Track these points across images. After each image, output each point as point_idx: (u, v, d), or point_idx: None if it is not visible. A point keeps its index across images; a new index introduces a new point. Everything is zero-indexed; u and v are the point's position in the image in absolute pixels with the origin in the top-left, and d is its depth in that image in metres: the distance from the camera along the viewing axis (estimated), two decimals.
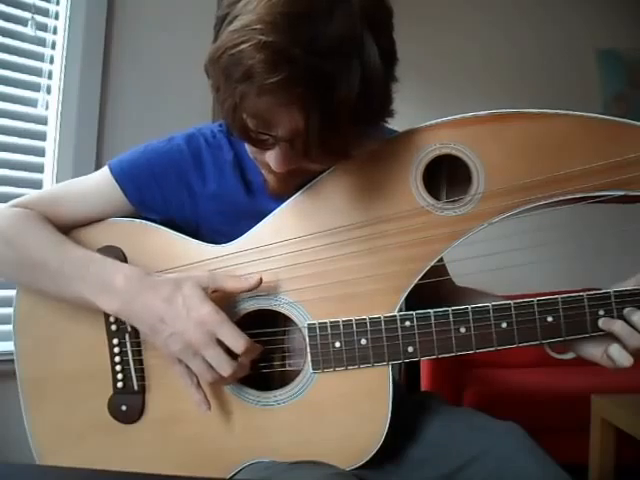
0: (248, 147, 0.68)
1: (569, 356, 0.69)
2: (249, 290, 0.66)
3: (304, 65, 0.53)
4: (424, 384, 2.06)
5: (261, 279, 0.66)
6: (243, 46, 0.53)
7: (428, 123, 0.69)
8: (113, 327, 0.72)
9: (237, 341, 0.61)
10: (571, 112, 0.67)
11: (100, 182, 0.76)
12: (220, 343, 0.62)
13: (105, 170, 0.76)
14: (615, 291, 0.63)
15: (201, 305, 0.62)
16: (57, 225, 0.74)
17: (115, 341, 0.72)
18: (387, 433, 0.65)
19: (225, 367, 0.61)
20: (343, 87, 0.55)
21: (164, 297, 0.63)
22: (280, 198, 0.71)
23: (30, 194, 0.80)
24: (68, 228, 0.75)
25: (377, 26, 0.58)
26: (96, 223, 0.75)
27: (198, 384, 0.65)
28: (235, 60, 0.54)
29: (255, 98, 0.56)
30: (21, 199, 0.77)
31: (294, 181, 0.69)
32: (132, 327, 0.71)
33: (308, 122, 0.57)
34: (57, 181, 1.46)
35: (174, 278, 0.65)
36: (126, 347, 0.71)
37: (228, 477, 0.69)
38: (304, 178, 0.69)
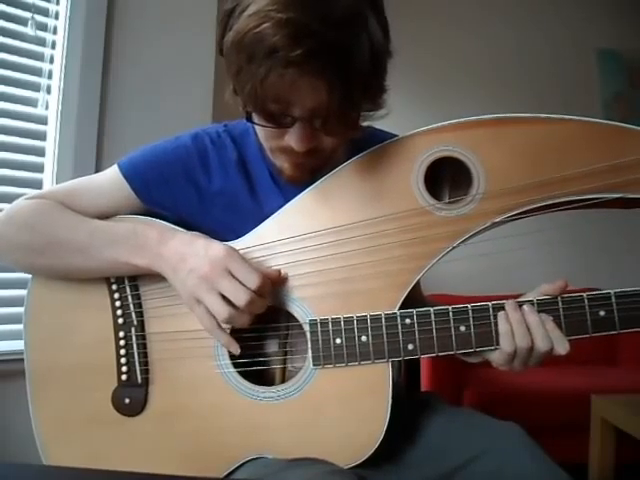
0: (265, 135, 0.69)
1: (477, 359, 0.71)
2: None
3: (324, 38, 0.56)
4: (424, 384, 2.06)
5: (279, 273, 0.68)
6: (265, 25, 0.56)
7: (430, 127, 0.71)
8: (120, 320, 0.73)
9: (250, 275, 0.63)
10: (569, 117, 0.68)
11: (110, 181, 0.77)
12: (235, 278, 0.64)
13: (115, 169, 0.77)
14: (616, 292, 0.64)
15: (218, 245, 0.66)
16: None
17: (121, 334, 0.73)
18: (387, 432, 0.65)
19: (241, 296, 0.63)
20: (358, 58, 0.59)
21: (187, 241, 0.68)
22: (297, 185, 0.72)
23: (43, 189, 0.80)
24: None
25: (375, 3, 0.62)
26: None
27: (220, 326, 0.66)
28: (258, 39, 0.56)
29: (280, 73, 0.58)
30: (35, 193, 0.79)
31: (309, 164, 0.70)
32: (138, 320, 0.72)
33: (330, 94, 0.60)
34: (57, 181, 1.47)
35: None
36: (132, 340, 0.72)
37: (228, 472, 0.69)
38: (317, 160, 0.70)
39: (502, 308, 0.65)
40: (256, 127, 0.69)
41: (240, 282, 0.63)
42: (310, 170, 0.71)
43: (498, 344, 0.65)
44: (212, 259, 0.64)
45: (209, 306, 0.64)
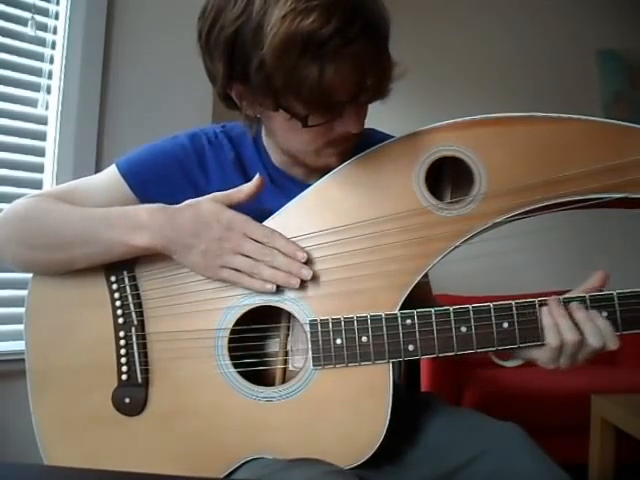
0: (311, 137, 0.67)
1: (513, 363, 0.70)
2: (256, 188, 0.68)
3: (364, 9, 0.59)
4: (424, 384, 2.06)
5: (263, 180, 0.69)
6: (311, 18, 0.56)
7: (431, 126, 0.71)
8: (120, 320, 0.73)
9: (268, 235, 0.66)
10: (574, 116, 0.68)
11: (108, 180, 0.78)
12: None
13: (113, 168, 0.78)
14: (618, 293, 0.64)
15: (225, 212, 0.67)
16: None
17: (121, 334, 0.73)
18: (387, 433, 0.65)
19: (266, 253, 0.66)
20: (384, 18, 0.63)
21: (190, 217, 0.67)
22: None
23: (42, 190, 0.81)
24: None
25: None
26: None
27: (250, 276, 0.67)
28: (311, 32, 0.56)
29: (341, 55, 0.58)
30: (33, 193, 0.79)
31: (350, 146, 0.71)
32: (138, 320, 0.72)
33: (382, 59, 0.63)
34: (57, 181, 1.47)
35: (191, 201, 0.69)
36: (132, 340, 0.72)
37: (228, 472, 0.69)
38: (357, 138, 0.70)
39: (503, 309, 0.65)
40: (298, 135, 0.67)
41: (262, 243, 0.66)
42: (347, 152, 0.72)
43: (498, 345, 0.65)
44: (227, 226, 0.66)
45: (240, 266, 0.66)
